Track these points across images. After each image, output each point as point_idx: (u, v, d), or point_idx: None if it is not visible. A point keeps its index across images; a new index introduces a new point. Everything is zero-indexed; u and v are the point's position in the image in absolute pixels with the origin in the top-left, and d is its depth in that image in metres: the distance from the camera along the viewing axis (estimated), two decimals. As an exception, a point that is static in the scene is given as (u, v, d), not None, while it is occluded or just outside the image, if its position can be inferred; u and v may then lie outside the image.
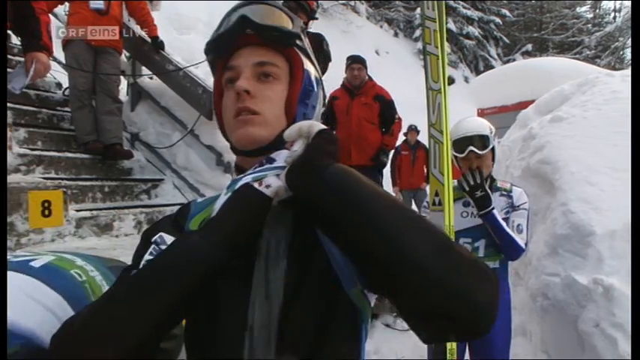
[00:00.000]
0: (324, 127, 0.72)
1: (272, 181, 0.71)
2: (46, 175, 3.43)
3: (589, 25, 24.78)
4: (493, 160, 2.24)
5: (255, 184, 0.72)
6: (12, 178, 3.08)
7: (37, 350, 0.80)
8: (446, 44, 2.07)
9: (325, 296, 0.71)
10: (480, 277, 0.60)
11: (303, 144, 0.71)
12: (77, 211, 3.26)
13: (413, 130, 6.97)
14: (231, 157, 4.05)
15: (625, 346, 2.14)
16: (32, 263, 0.92)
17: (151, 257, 0.73)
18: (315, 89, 0.83)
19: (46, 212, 3.04)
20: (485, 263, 0.63)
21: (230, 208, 0.70)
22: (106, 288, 0.95)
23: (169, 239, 0.76)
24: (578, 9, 25.23)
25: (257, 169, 0.76)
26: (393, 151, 5.43)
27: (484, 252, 2.18)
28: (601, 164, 2.80)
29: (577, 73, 4.63)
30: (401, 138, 6.01)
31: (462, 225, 2.14)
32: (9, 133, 3.34)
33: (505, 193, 2.19)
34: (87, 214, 3.28)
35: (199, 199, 0.88)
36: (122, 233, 3.46)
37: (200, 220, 0.80)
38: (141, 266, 0.72)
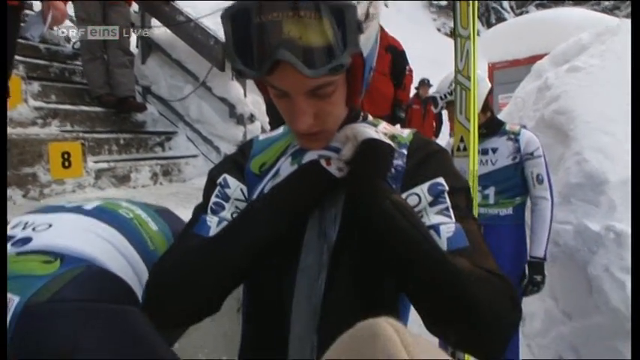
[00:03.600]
0: (369, 133, 0.72)
1: (342, 166, 0.73)
2: (63, 128, 3.47)
3: (607, -26, 23.76)
4: (489, 108, 2.27)
5: (323, 162, 0.74)
6: (30, 131, 3.13)
7: (100, 270, 0.87)
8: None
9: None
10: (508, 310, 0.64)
11: (351, 147, 0.73)
12: (95, 162, 3.32)
13: (425, 84, 6.90)
14: (244, 110, 4.06)
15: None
16: (84, 207, 1.00)
17: (217, 199, 0.79)
18: (372, 53, 0.72)
19: (66, 164, 3.11)
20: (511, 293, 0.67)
21: (296, 183, 0.74)
22: (152, 224, 1.02)
23: (232, 181, 0.80)
24: (596, -43, 24.10)
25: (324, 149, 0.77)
26: (404, 105, 5.38)
27: (494, 199, 2.22)
28: (618, 113, 2.78)
29: (594, 26, 4.49)
30: (412, 91, 5.95)
31: None
32: (23, 86, 3.36)
33: (512, 136, 2.20)
34: (105, 165, 3.33)
35: (261, 137, 0.89)
36: (139, 184, 3.54)
37: (260, 164, 0.82)
38: (211, 220, 0.77)
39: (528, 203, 2.28)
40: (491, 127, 2.27)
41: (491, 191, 2.22)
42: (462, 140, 2.05)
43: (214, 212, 0.77)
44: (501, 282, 0.65)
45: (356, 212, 0.69)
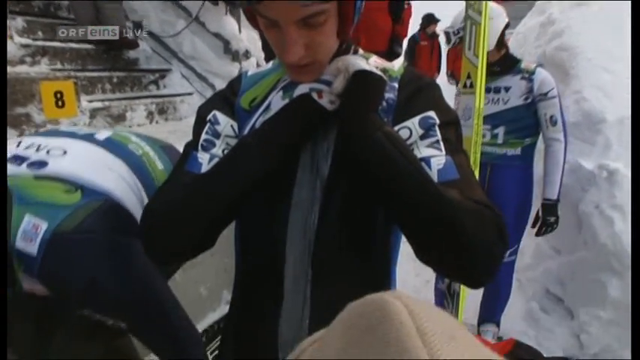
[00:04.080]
0: (361, 65, 0.71)
1: (334, 99, 0.72)
2: (53, 67, 3.38)
3: None
4: (505, 45, 2.21)
5: (314, 95, 0.73)
6: (20, 69, 3.04)
7: (117, 204, 0.90)
8: None
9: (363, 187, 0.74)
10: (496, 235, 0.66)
11: (343, 79, 0.71)
12: (89, 102, 3.26)
13: (432, 20, 6.68)
14: (239, 46, 3.94)
15: (621, 225, 2.27)
16: (96, 136, 1.00)
17: (207, 136, 0.78)
18: None
19: (60, 103, 3.05)
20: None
21: (287, 117, 0.73)
22: (158, 162, 1.03)
23: (222, 118, 0.80)
24: None
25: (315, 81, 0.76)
26: (409, 41, 5.24)
27: (503, 139, 2.20)
28: (621, 51, 2.72)
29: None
30: (415, 28, 5.79)
31: None
32: (7, 22, 3.23)
33: (527, 75, 2.14)
34: (99, 104, 3.29)
35: (250, 72, 0.88)
36: (135, 124, 3.50)
37: (250, 99, 0.81)
38: (202, 157, 0.77)
39: (539, 145, 2.27)
40: (505, 64, 2.19)
41: (500, 131, 2.20)
42: (468, 77, 2.00)
43: (205, 149, 0.77)
44: (490, 212, 0.67)
45: (348, 144, 0.69)
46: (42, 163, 0.90)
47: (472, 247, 0.63)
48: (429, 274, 2.42)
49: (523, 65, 2.17)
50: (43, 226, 0.80)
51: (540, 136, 2.25)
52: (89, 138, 0.99)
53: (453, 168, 0.71)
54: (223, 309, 2.33)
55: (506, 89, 2.17)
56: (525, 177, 2.27)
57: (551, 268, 2.77)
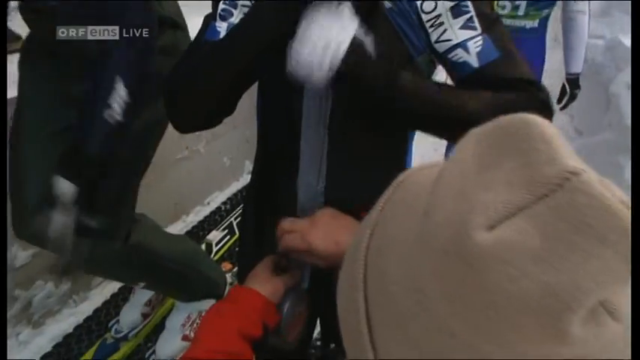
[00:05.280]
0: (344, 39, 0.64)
1: None
2: None
3: None
4: None
5: None
6: None
7: None
8: None
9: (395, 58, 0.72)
10: None
11: None
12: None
13: None
14: None
15: (651, 107, 2.21)
16: None
17: (225, 6, 0.77)
18: None
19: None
20: None
21: None
22: None
23: None
24: None
25: None
26: None
27: (524, 11, 2.09)
28: None
29: None
30: None
31: None
32: None
33: None
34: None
35: None
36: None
37: None
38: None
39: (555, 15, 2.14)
40: None
41: (523, 3, 2.07)
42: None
43: (223, 18, 0.77)
44: (527, 96, 0.67)
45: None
46: None
47: None
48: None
49: None
50: None
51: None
52: None
53: (491, 47, 0.69)
54: (246, 178, 2.44)
55: None
56: (540, 49, 2.19)
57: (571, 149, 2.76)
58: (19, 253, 1.47)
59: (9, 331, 1.51)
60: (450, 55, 0.71)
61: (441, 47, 0.71)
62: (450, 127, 0.65)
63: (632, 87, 1.24)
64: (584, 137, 2.69)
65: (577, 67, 2.14)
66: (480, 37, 0.69)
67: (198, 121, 0.79)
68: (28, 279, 1.52)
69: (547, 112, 0.67)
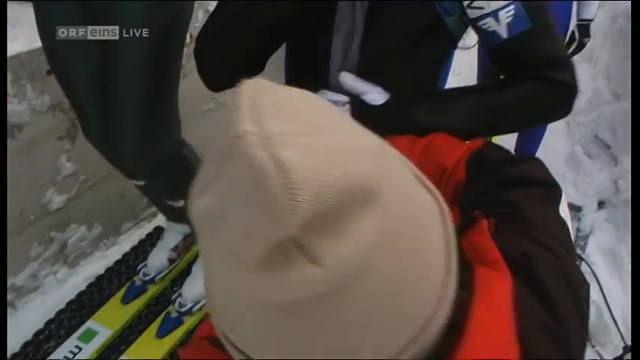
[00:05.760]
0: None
1: None
2: None
3: None
4: None
5: None
6: None
7: None
8: None
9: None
10: None
11: None
12: None
13: None
14: None
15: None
16: None
17: None
18: None
19: None
20: None
21: None
22: None
23: None
24: None
25: None
26: None
27: None
28: None
29: None
30: None
31: None
32: None
33: None
34: None
35: None
36: None
37: None
38: None
39: None
40: None
41: None
42: None
43: None
44: (553, 87, 0.69)
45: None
46: None
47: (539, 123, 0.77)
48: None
49: None
50: None
51: None
52: None
53: (523, 16, 0.67)
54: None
55: None
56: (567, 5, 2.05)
57: (606, 114, 2.66)
58: (54, 197, 1.54)
59: (47, 269, 1.61)
60: (480, 23, 0.70)
61: (472, 13, 0.70)
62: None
63: (632, 85, 1.19)
64: (621, 101, 2.58)
65: (589, 13, 1.99)
66: (512, 6, 0.67)
67: (227, 77, 0.79)
68: (63, 222, 1.60)
69: (567, 95, 0.69)
